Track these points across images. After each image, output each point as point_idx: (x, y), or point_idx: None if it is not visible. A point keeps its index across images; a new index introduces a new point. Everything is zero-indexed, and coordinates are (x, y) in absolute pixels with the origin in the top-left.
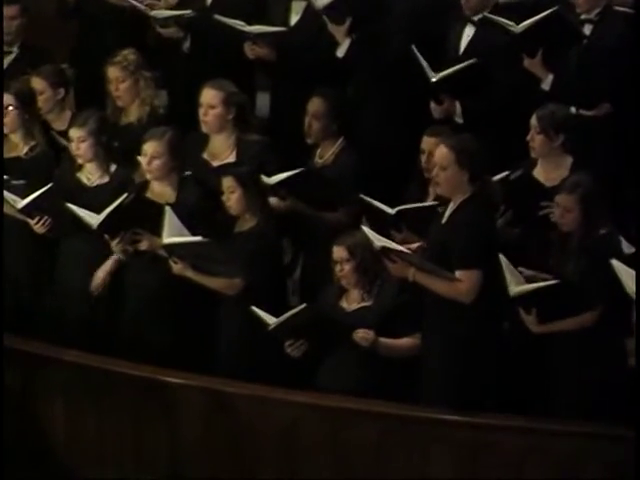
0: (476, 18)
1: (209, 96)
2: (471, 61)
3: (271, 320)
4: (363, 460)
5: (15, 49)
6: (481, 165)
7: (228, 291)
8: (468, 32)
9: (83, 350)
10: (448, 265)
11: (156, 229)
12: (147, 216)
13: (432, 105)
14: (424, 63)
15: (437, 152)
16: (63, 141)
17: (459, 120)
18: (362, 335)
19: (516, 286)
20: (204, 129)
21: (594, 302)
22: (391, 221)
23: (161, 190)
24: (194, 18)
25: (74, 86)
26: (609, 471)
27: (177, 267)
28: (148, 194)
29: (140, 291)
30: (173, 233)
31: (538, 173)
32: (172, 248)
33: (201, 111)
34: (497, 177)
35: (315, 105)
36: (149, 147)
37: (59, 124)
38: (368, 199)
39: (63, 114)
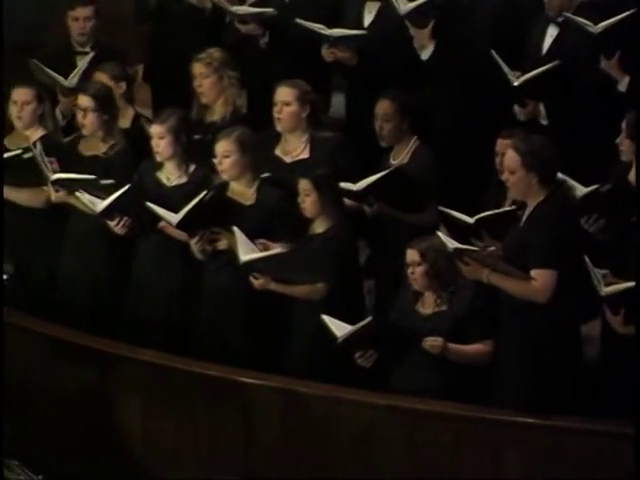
0: (560, 19)
1: (284, 93)
2: (554, 63)
3: (340, 332)
4: (437, 461)
5: (89, 49)
6: (552, 167)
7: (313, 296)
8: (551, 32)
9: (160, 350)
10: (523, 268)
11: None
12: (227, 216)
13: (516, 108)
14: (505, 68)
15: (506, 156)
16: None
17: (544, 122)
18: (431, 343)
19: (604, 287)
20: (278, 128)
21: None
22: (471, 229)
23: (240, 190)
24: (274, 17)
25: (151, 86)
26: None
27: (259, 282)
28: (229, 194)
29: (217, 291)
30: (246, 251)
31: (632, 177)
32: (251, 264)
33: (276, 109)
34: (586, 190)
35: (383, 107)
36: (219, 147)
37: (123, 121)
38: (446, 210)
39: (126, 111)
